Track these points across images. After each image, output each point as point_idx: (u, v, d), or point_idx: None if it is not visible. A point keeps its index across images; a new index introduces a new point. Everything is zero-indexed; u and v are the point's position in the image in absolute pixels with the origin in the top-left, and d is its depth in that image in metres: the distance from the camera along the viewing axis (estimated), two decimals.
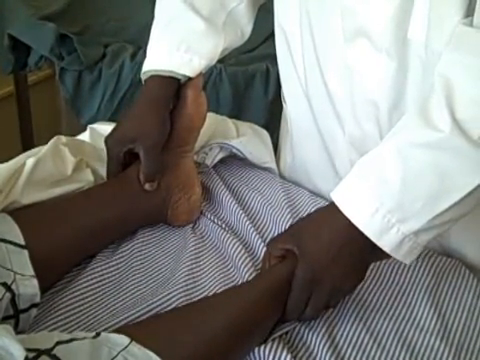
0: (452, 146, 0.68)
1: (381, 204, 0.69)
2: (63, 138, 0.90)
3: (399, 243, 0.70)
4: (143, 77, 0.93)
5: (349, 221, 0.71)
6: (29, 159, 0.83)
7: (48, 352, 0.59)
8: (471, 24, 0.71)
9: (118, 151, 0.87)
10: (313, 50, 0.91)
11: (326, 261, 0.72)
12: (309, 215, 0.82)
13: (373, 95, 0.85)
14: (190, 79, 0.91)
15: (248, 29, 1.01)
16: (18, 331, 0.70)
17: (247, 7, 0.99)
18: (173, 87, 0.90)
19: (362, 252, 0.73)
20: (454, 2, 0.72)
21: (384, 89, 0.84)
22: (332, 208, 0.73)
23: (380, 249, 0.71)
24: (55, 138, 0.89)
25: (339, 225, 0.72)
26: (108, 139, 0.88)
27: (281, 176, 1.12)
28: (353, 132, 0.93)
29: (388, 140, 0.73)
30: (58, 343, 0.60)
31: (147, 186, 0.87)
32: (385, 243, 0.70)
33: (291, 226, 0.81)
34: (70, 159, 0.88)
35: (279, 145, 1.16)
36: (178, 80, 0.90)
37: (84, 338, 0.63)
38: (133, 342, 0.63)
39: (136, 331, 0.66)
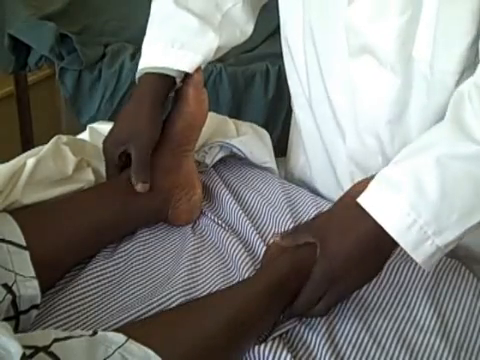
0: None
1: (418, 216, 0.69)
2: (64, 137, 0.90)
3: (432, 255, 0.70)
4: (137, 76, 0.92)
5: (380, 229, 0.70)
6: (30, 159, 0.83)
7: (45, 349, 0.59)
8: None
9: (113, 153, 0.87)
10: (317, 63, 0.91)
11: (348, 264, 0.72)
12: (333, 212, 0.79)
13: (375, 110, 0.86)
14: (190, 77, 0.90)
15: (248, 29, 1.01)
16: (18, 332, 0.70)
17: (244, 8, 0.99)
18: (166, 85, 0.90)
19: (385, 257, 0.73)
20: (463, 24, 0.73)
21: (387, 105, 0.84)
22: (361, 212, 0.72)
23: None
24: (56, 137, 0.89)
25: (368, 231, 0.71)
26: (104, 142, 0.88)
27: (288, 175, 1.12)
28: (353, 145, 0.93)
29: (422, 151, 0.72)
30: (55, 340, 0.60)
31: (139, 187, 0.86)
32: (419, 255, 0.70)
33: (315, 219, 0.79)
34: (71, 158, 0.88)
35: (289, 144, 1.17)
36: (173, 79, 0.90)
37: (81, 336, 0.63)
38: (130, 340, 0.63)
39: (133, 330, 0.66)
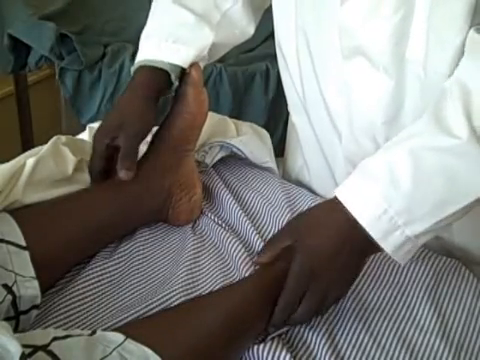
0: (467, 153, 0.68)
1: (389, 205, 0.69)
2: (63, 138, 0.90)
3: (401, 245, 0.70)
4: (132, 70, 0.92)
5: (353, 219, 0.70)
6: (29, 159, 0.83)
7: (44, 348, 0.59)
8: None
9: (102, 143, 0.86)
10: (311, 66, 0.92)
11: (326, 255, 0.71)
12: (309, 210, 0.81)
13: (370, 111, 0.86)
14: (189, 77, 0.90)
15: (248, 29, 1.01)
16: (18, 332, 0.70)
17: (244, 8, 0.99)
18: (160, 79, 0.89)
19: (361, 250, 0.73)
20: (456, 24, 0.73)
21: (381, 106, 0.84)
22: (334, 204, 0.72)
23: (377, 246, 0.71)
24: (55, 138, 0.88)
25: (341, 222, 0.71)
26: (95, 133, 0.88)
27: (286, 177, 1.12)
28: (350, 146, 0.93)
29: (399, 143, 0.72)
30: (54, 339, 0.60)
31: (122, 173, 0.84)
32: (388, 244, 0.70)
33: (289, 223, 0.79)
34: (71, 159, 0.88)
35: (287, 146, 1.17)
36: (167, 73, 0.89)
37: (80, 335, 0.63)
38: (128, 339, 0.63)
39: (132, 329, 0.66)
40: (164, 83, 0.90)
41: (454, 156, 0.68)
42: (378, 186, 0.70)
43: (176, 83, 0.91)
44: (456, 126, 0.69)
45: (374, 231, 0.70)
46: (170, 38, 0.91)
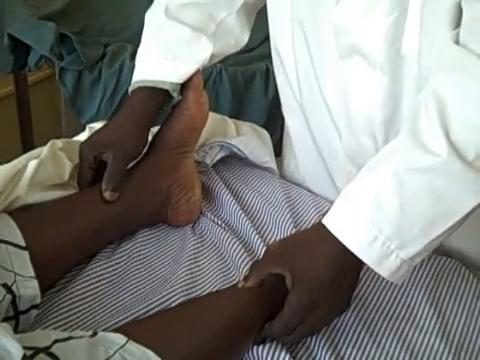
0: (448, 169, 0.67)
1: (379, 231, 0.68)
2: (59, 143, 0.89)
3: (397, 269, 0.70)
4: (130, 89, 0.92)
5: (344, 247, 0.70)
6: (31, 161, 0.83)
7: (46, 350, 0.59)
8: (458, 40, 0.71)
9: (89, 154, 0.86)
10: (310, 65, 0.91)
11: (324, 285, 0.71)
12: (297, 238, 0.80)
13: (368, 109, 0.86)
14: (190, 80, 0.90)
15: (243, 38, 1.02)
16: (18, 332, 0.70)
17: (239, 17, 0.99)
18: (159, 100, 0.90)
19: (356, 275, 0.74)
20: (442, 24, 0.72)
21: (379, 104, 0.84)
22: (324, 232, 0.71)
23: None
24: (51, 143, 0.88)
25: (334, 250, 0.71)
26: (82, 144, 0.88)
27: (283, 178, 1.12)
28: (350, 144, 0.93)
29: (381, 164, 0.72)
30: (56, 341, 0.60)
31: (107, 195, 0.84)
32: (384, 269, 0.70)
33: (276, 249, 0.78)
34: (67, 164, 0.88)
35: (283, 148, 1.17)
36: (166, 91, 0.90)
37: (81, 337, 0.63)
38: (130, 341, 0.63)
39: (133, 330, 0.66)
40: (163, 101, 0.91)
41: (436, 175, 0.68)
42: (365, 213, 0.69)
43: (178, 98, 0.91)
44: (434, 142, 0.68)
45: (367, 258, 0.69)
46: (169, 55, 0.91)
